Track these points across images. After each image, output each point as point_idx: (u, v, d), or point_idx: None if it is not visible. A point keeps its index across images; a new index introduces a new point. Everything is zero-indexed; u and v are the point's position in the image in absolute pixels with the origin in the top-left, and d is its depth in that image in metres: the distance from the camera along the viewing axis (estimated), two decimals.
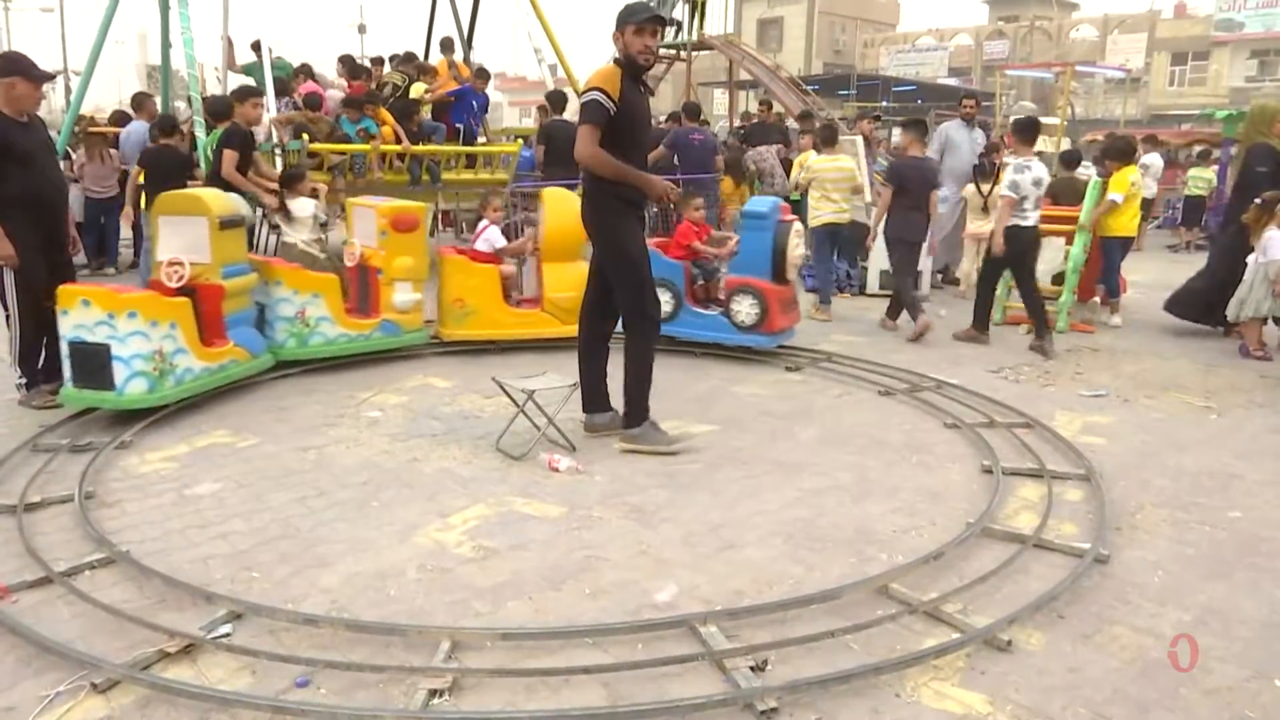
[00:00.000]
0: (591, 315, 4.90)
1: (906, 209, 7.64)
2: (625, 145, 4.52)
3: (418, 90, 10.67)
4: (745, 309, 6.48)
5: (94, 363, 4.84)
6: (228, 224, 5.55)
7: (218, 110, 8.08)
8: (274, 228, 7.17)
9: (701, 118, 12.69)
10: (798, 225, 6.61)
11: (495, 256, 6.93)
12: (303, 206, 6.90)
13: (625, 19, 4.48)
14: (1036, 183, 7.04)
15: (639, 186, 4.60)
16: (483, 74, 11.69)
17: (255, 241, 7.70)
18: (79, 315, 4.83)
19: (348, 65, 11.00)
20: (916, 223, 7.71)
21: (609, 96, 4.39)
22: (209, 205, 5.52)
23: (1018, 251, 7.04)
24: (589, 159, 4.48)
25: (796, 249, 6.49)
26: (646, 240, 4.98)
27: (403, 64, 11.32)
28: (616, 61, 4.52)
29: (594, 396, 4.94)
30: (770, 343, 6.52)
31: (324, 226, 7.08)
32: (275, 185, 7.19)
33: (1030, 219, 7.08)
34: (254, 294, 5.91)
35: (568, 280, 6.68)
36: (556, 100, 11.03)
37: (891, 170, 7.95)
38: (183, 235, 5.47)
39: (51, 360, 5.51)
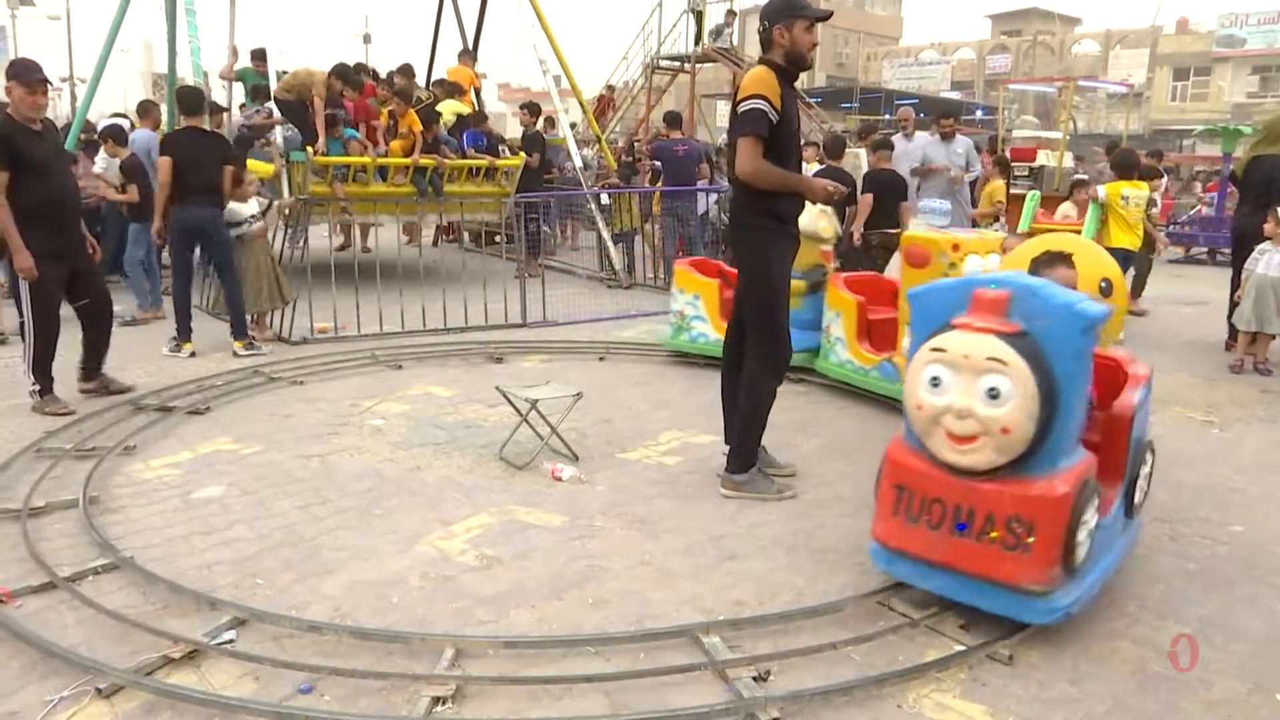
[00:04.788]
0: (732, 343, 4.48)
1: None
2: (784, 155, 4.07)
3: (456, 108, 10.75)
4: None
5: None
6: None
7: None
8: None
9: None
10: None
11: None
12: (239, 210, 7.09)
13: (793, 13, 3.96)
14: None
15: (802, 191, 4.12)
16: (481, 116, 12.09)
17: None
18: None
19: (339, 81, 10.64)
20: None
21: (771, 105, 3.91)
22: None
23: None
24: (751, 174, 3.96)
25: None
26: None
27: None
28: (768, 63, 4.03)
29: (728, 426, 4.50)
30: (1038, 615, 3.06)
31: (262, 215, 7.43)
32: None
33: None
34: (808, 300, 6.38)
35: None
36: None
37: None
38: None
39: (89, 358, 5.62)
